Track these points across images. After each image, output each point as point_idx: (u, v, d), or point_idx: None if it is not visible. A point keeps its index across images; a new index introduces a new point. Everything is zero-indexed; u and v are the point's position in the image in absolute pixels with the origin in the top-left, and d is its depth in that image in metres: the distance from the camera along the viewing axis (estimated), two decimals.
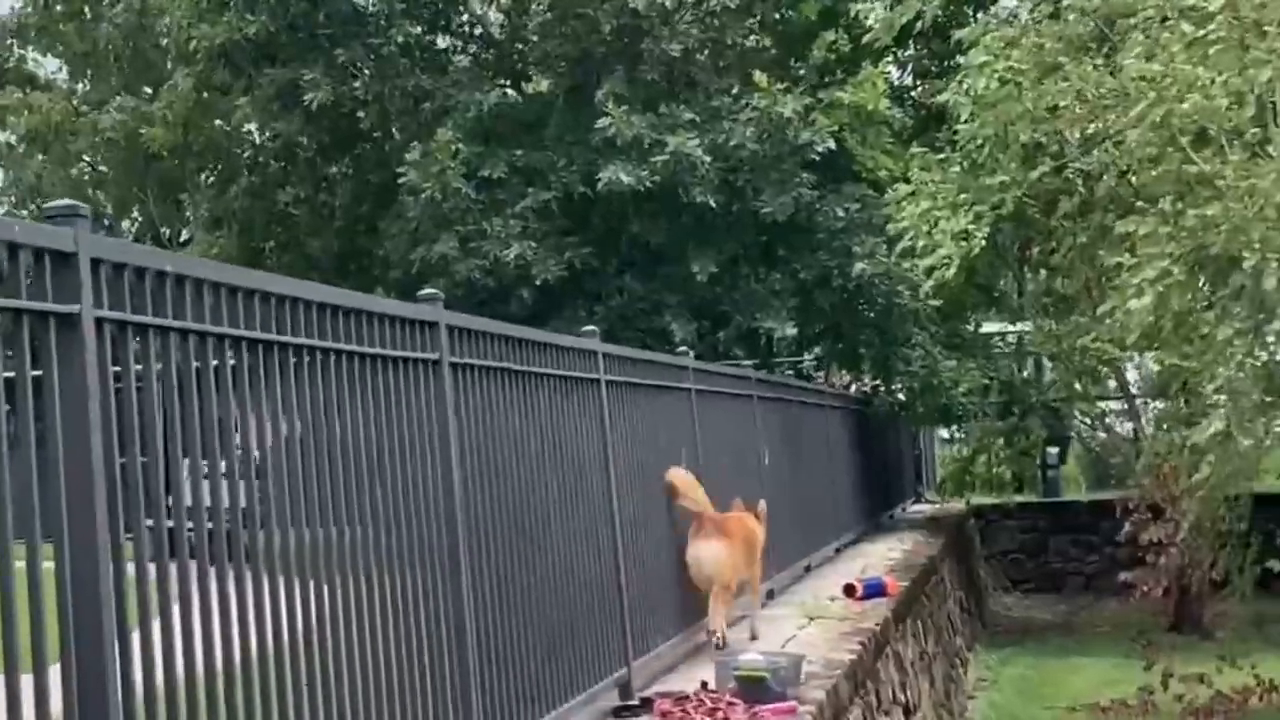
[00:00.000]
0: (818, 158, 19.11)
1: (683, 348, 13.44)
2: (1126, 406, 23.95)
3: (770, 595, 13.00)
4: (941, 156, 15.94)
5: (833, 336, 20.77)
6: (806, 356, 22.25)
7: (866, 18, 19.86)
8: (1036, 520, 28.58)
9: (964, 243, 14.05)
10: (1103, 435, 24.55)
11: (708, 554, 9.92)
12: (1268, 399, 14.18)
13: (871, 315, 20.13)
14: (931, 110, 20.91)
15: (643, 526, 9.22)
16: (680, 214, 19.40)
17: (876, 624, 11.18)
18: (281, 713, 4.56)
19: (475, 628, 5.97)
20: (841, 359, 22.48)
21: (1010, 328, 25.72)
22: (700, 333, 19.11)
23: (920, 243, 14.38)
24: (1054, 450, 29.15)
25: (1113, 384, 26.71)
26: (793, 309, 19.33)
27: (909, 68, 22.85)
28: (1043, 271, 23.72)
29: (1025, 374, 22.98)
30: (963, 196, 14.51)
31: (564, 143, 19.78)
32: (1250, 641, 16.90)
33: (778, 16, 20.45)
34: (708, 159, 18.58)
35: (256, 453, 4.80)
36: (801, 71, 19.66)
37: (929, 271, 14.25)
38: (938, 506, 26.36)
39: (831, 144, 18.82)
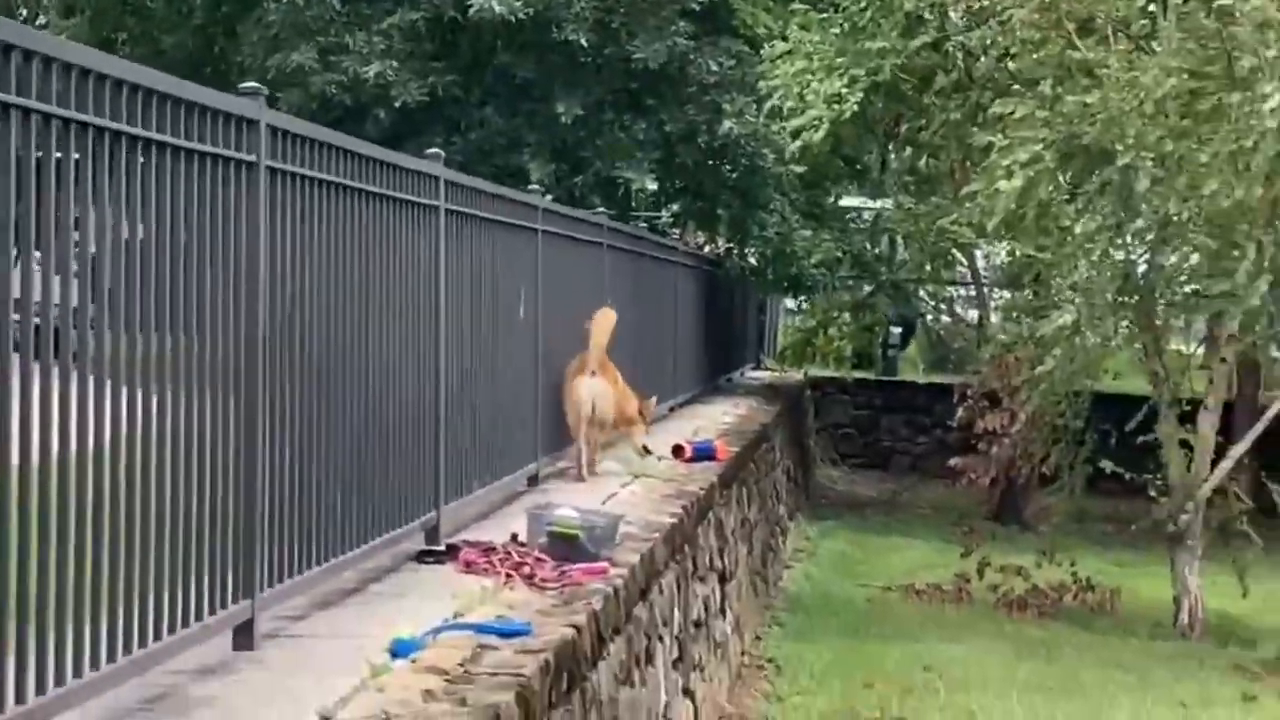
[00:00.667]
0: (697, 7, 18.63)
1: (536, 188, 13.01)
2: (975, 294, 23.96)
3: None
4: (823, 16, 15.52)
5: (692, 194, 20.40)
6: (664, 213, 21.85)
7: None
8: (872, 397, 28.70)
9: (836, 106, 13.70)
10: (948, 320, 24.55)
11: (588, 391, 10.88)
12: (1120, 298, 14.10)
13: (734, 176, 19.80)
14: None
15: (474, 362, 8.84)
16: (551, 50, 18.85)
17: (701, 488, 10.95)
18: (60, 527, 4.18)
19: (268, 459, 5.57)
20: (699, 219, 22.15)
21: (870, 204, 25.58)
22: (558, 176, 18.64)
23: (790, 103, 13.99)
24: (897, 330, 29.20)
25: (963, 271, 26.75)
26: (655, 161, 18.92)
27: None
28: (909, 149, 23.49)
29: (879, 251, 22.82)
30: (840, 60, 14.14)
31: None
32: (1070, 538, 17.02)
33: None
34: None
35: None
36: None
37: (796, 133, 13.88)
38: (776, 375, 26.28)
39: None
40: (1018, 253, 17.69)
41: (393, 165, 7.29)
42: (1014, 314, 16.43)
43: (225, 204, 5.32)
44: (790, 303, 30.50)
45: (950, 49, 15.40)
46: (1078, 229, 13.68)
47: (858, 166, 23.29)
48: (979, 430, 16.03)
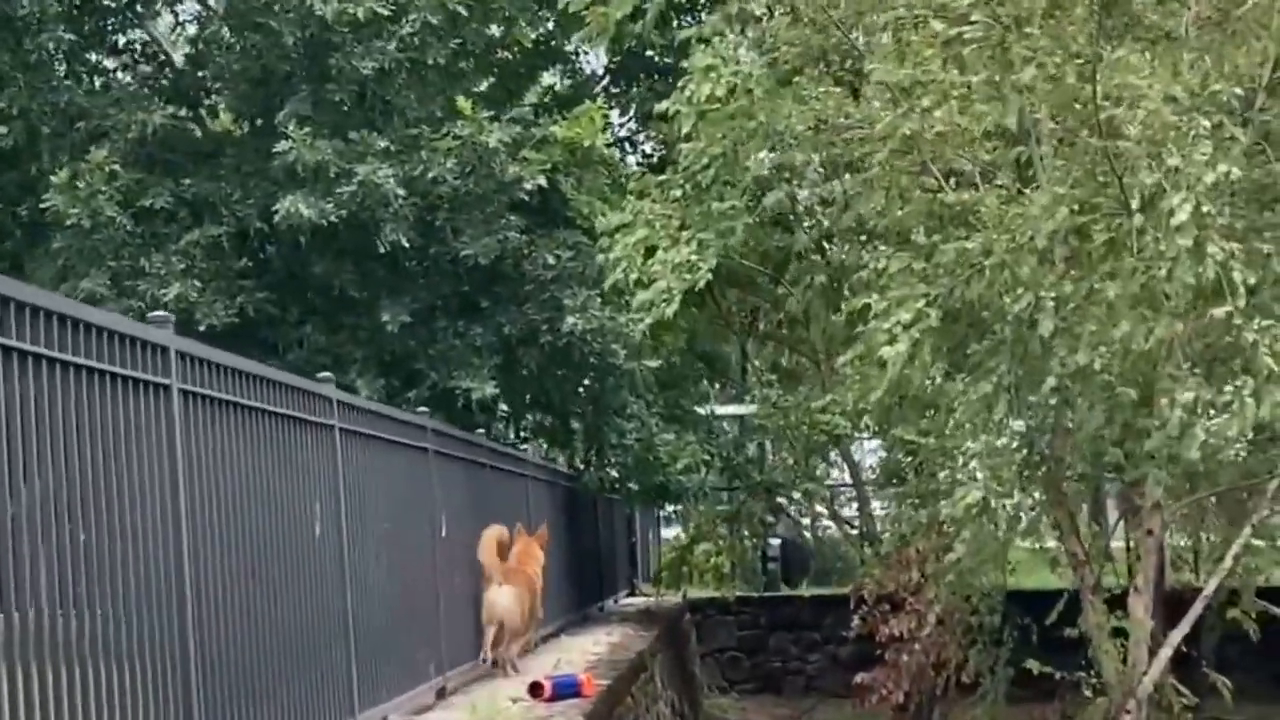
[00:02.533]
0: (527, 198, 16.98)
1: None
2: (855, 493, 22.15)
3: (441, 694, 10.68)
4: (661, 179, 13.78)
5: (541, 406, 18.55)
6: (513, 434, 19.92)
7: (585, 55, 17.94)
8: (757, 616, 26.69)
9: (687, 276, 11.90)
10: (828, 524, 22.71)
11: (500, 599, 12.24)
12: (1025, 471, 12.37)
13: (584, 381, 18.02)
14: (659, 162, 19.06)
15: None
16: (371, 256, 17.08)
17: None
18: None
19: None
20: (551, 436, 20.28)
21: (739, 409, 23.87)
22: (389, 391, 16.72)
23: (634, 276, 12.19)
24: (775, 542, 27.33)
25: (835, 475, 25.04)
26: (495, 367, 17.06)
27: (633, 109, 20.90)
28: (769, 345, 21.92)
29: (748, 454, 20.99)
30: (686, 231, 12.39)
31: (241, 173, 17.32)
32: None
33: (488, 42, 18.24)
34: (402, 192, 16.30)
35: None
36: (512, 111, 17.50)
37: (646, 308, 12.03)
38: (653, 600, 24.26)
39: (542, 181, 16.70)
40: (898, 440, 15.98)
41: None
42: (907, 501, 14.57)
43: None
44: (669, 524, 28.67)
45: (802, 208, 13.72)
46: (972, 395, 11.95)
47: (715, 367, 21.63)
48: (883, 638, 14.05)
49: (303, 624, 7.84)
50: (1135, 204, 10.97)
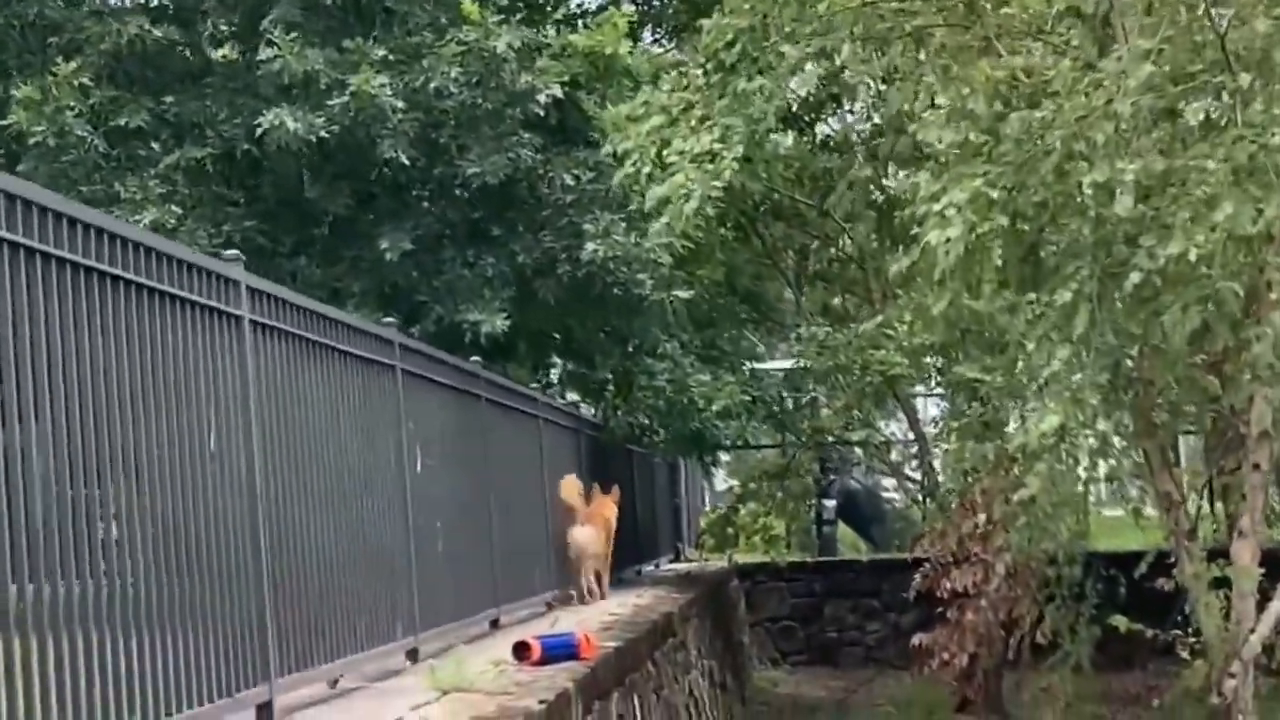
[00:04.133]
0: (543, 113, 15.22)
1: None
2: (916, 448, 20.23)
3: (413, 656, 8.97)
4: (679, 62, 11.87)
5: (563, 344, 16.76)
6: (535, 382, 18.13)
7: None
8: (811, 583, 24.79)
9: (709, 167, 10.06)
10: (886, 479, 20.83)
11: (582, 536, 14.09)
12: (1110, 396, 10.53)
13: (609, 316, 16.25)
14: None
15: None
16: (369, 179, 15.39)
17: (542, 702, 7.15)
18: None
19: None
20: (576, 382, 18.50)
21: (785, 364, 22.03)
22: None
23: (646, 169, 10.35)
24: (829, 504, 25.45)
25: (893, 430, 23.20)
26: (508, 300, 15.31)
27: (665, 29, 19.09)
28: (821, 286, 20.12)
29: (797, 399, 19.08)
30: (709, 120, 10.52)
31: (228, 90, 15.62)
32: None
33: None
34: (400, 104, 14.57)
35: None
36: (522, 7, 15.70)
37: (661, 206, 10.19)
38: (698, 565, 22.50)
39: (558, 92, 14.94)
40: (962, 383, 14.13)
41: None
42: (970, 434, 12.64)
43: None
44: (721, 480, 26.78)
45: (849, 78, 11.85)
46: (1047, 305, 10.11)
47: (760, 309, 19.83)
48: (944, 594, 12.12)
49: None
50: (1239, 66, 9.10)
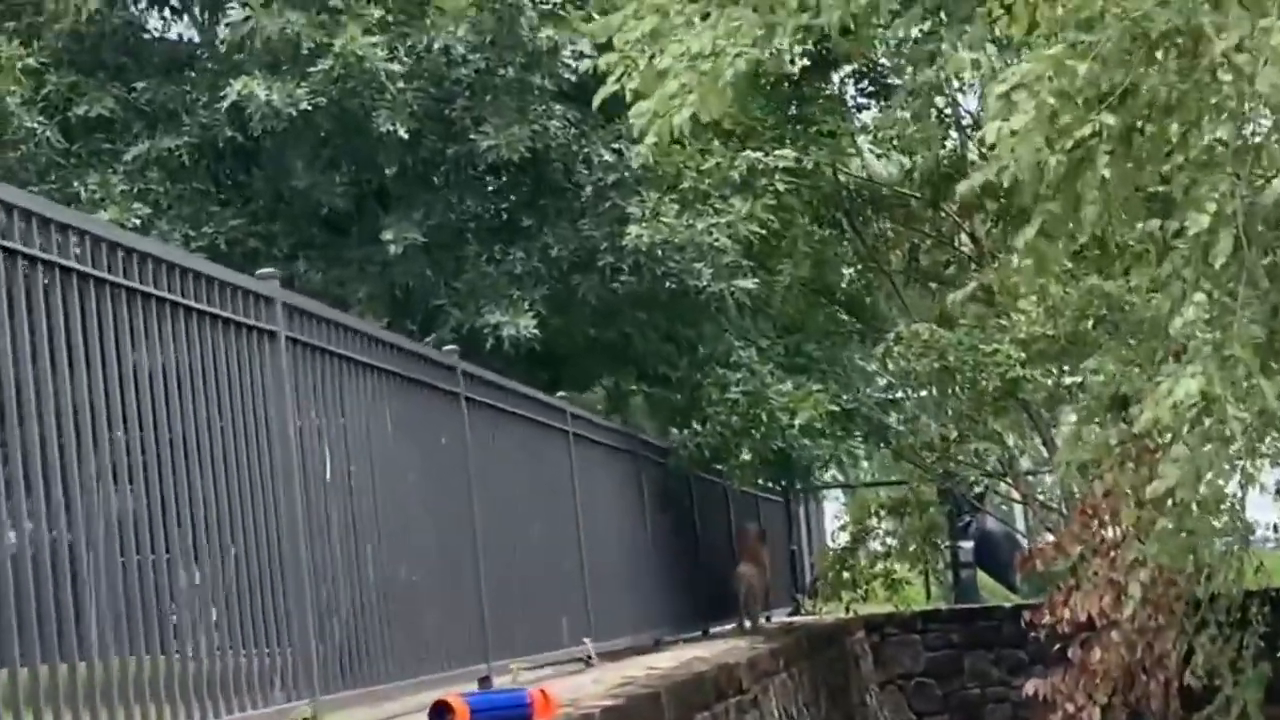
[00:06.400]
0: (574, 76, 12.83)
1: None
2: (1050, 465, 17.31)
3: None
4: None
5: (614, 354, 14.20)
6: (594, 391, 15.57)
7: None
8: (947, 633, 21.87)
9: (709, 63, 7.50)
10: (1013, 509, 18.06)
11: (746, 571, 15.37)
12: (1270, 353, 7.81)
13: (670, 318, 13.76)
14: None
15: None
16: (372, 160, 13.04)
17: None
18: None
19: None
20: (654, 407, 15.89)
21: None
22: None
23: (633, 84, 7.81)
24: (966, 545, 22.56)
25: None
26: (543, 299, 12.85)
27: None
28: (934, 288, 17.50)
29: (900, 418, 16.27)
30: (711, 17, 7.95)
31: (210, 73, 13.39)
32: None
33: None
34: (396, 68, 12.25)
35: None
36: None
37: (647, 123, 7.63)
38: (813, 618, 19.78)
39: (586, 46, 12.48)
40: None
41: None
42: (1088, 417, 9.84)
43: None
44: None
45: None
46: (1183, 226, 7.47)
47: (859, 314, 17.17)
48: (1064, 627, 9.25)
49: None
50: None
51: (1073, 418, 17.99)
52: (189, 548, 5.81)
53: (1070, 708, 9.26)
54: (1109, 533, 9.02)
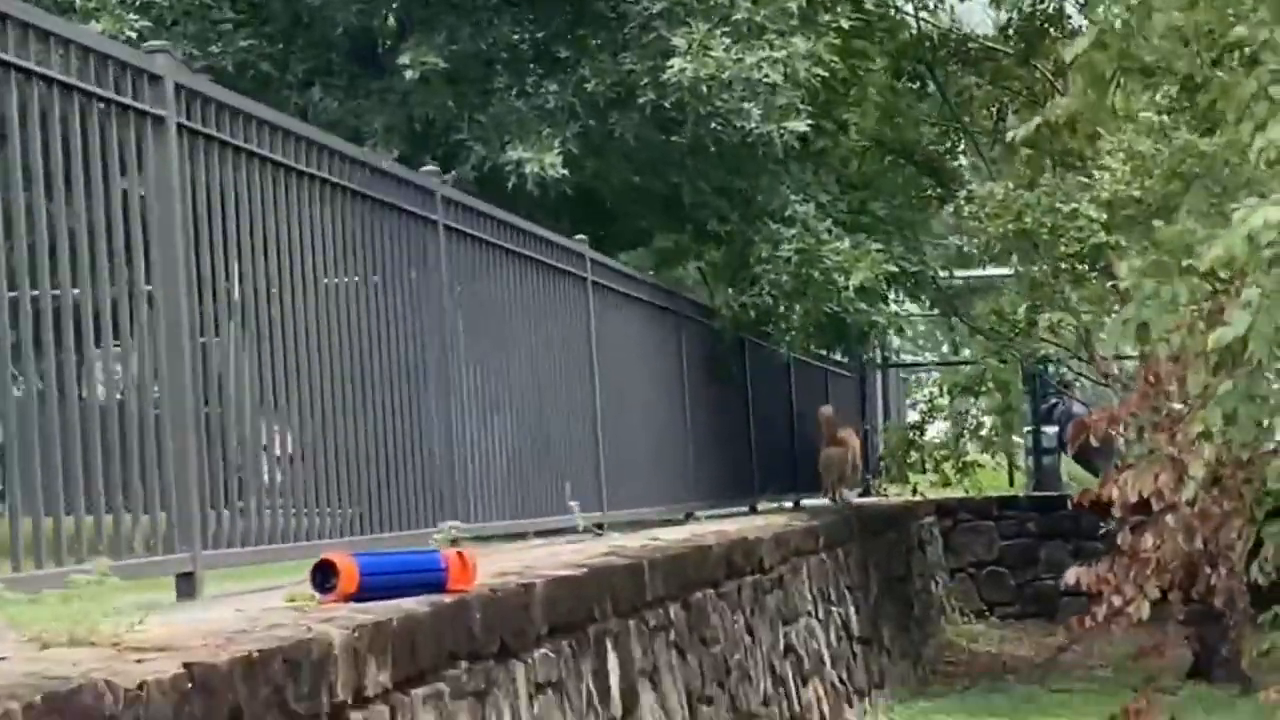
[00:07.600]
0: None
1: None
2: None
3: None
4: None
5: (654, 201, 13.10)
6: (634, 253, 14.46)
7: None
8: (1023, 521, 20.80)
9: None
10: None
11: (834, 454, 15.06)
12: None
13: (720, 166, 12.63)
14: None
15: None
16: None
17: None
18: None
19: None
20: (712, 272, 14.79)
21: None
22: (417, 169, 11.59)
23: None
24: (1050, 430, 21.38)
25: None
26: (576, 138, 11.76)
27: None
28: (1027, 152, 16.23)
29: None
30: None
31: None
32: None
33: None
34: None
35: None
36: None
37: None
38: (878, 499, 18.75)
39: None
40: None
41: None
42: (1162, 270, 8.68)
43: None
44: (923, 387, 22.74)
45: None
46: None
47: (937, 174, 15.92)
48: (1119, 509, 8.09)
49: None
50: None
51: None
52: None
53: (1117, 600, 8.14)
54: (1174, 404, 7.91)
